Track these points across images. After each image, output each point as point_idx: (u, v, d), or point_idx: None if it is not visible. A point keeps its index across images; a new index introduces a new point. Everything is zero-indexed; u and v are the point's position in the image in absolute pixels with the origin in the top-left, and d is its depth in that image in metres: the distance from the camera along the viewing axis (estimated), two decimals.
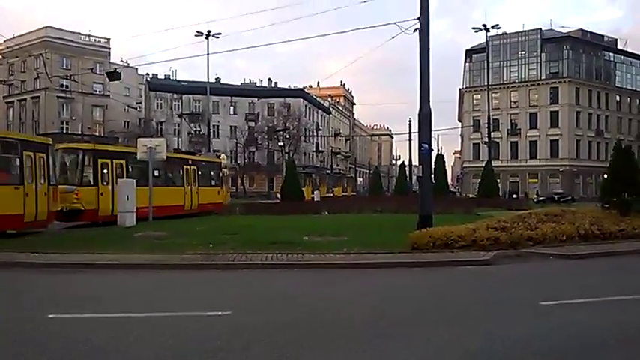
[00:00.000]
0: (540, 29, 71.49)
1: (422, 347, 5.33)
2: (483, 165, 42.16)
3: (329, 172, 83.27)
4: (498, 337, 5.60)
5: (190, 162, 26.85)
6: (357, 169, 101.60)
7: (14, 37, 58.30)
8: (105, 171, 20.57)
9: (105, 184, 20.35)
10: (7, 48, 57.91)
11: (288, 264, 10.68)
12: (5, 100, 65.96)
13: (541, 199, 50.97)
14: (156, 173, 21.12)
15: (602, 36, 76.12)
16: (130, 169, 21.56)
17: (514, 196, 52.72)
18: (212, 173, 29.85)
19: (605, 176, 17.40)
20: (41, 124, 61.67)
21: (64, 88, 59.20)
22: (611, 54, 75.59)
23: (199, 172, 27.27)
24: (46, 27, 62.09)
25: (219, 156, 38.60)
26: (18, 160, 15.57)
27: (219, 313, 6.72)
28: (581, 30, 73.24)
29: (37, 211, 16.12)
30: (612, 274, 9.90)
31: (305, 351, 5.31)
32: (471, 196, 49.75)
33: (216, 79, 72.84)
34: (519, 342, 5.45)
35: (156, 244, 12.88)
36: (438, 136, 65.97)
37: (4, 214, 14.66)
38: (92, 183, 20.05)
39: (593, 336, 5.68)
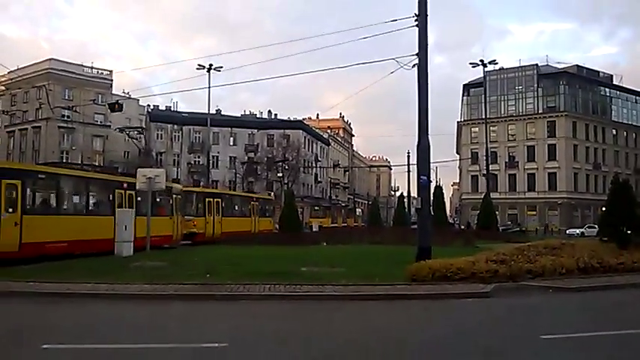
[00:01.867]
0: (537, 65, 72.59)
1: None
2: (482, 197, 42.20)
3: (335, 203, 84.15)
4: None
5: (255, 199, 39.13)
6: (355, 199, 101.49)
7: (18, 69, 59.04)
8: (209, 206, 29.59)
9: (209, 215, 29.31)
10: (11, 79, 58.64)
11: (287, 295, 10.59)
12: (6, 130, 66.31)
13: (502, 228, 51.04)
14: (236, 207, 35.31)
15: (598, 72, 77.25)
16: (224, 205, 31.84)
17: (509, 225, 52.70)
18: (266, 207, 41.57)
19: (604, 209, 17.43)
20: (41, 153, 61.77)
21: (65, 118, 59.61)
22: (607, 89, 76.56)
23: (260, 207, 38.30)
24: (50, 59, 62.89)
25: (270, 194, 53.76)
26: (170, 200, 24.77)
27: (216, 344, 6.64)
28: (577, 66, 74.37)
29: (178, 232, 25.10)
30: (613, 307, 9.81)
31: None
32: (462, 227, 49.53)
33: (216, 110, 73.45)
34: None
35: (153, 274, 12.77)
36: (436, 167, 65.89)
37: (163, 235, 22.50)
38: (203, 214, 29.06)
39: None
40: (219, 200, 31.48)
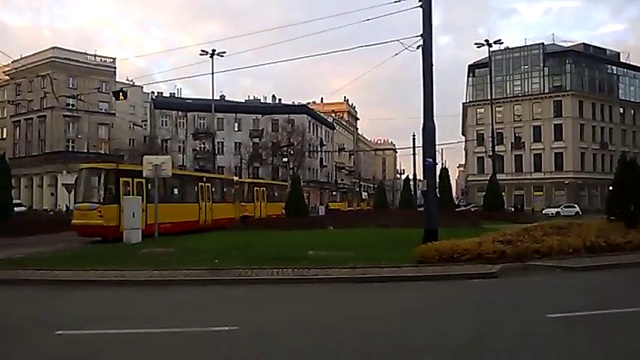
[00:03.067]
0: (542, 44, 71.78)
1: None
2: (488, 178, 42.08)
3: (341, 187, 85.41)
4: (505, 349, 5.60)
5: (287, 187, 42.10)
6: (361, 183, 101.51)
7: (21, 58, 59.04)
8: (256, 193, 35.92)
9: (257, 201, 35.50)
10: (15, 69, 58.64)
11: (294, 279, 10.68)
12: (12, 120, 66.54)
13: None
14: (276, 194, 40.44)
15: (605, 49, 76.34)
16: (267, 192, 37.83)
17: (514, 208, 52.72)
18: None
19: (611, 188, 17.37)
20: (47, 142, 62.11)
21: (70, 107, 59.67)
22: (614, 67, 75.70)
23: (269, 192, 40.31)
24: (53, 47, 62.77)
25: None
26: (232, 189, 32.85)
27: (226, 328, 6.72)
28: (584, 44, 73.50)
29: (237, 215, 31.42)
30: (620, 286, 9.86)
31: None
32: (475, 208, 49.62)
33: (220, 96, 73.29)
34: (528, 356, 5.43)
35: (161, 261, 12.91)
36: (442, 149, 65.84)
37: (229, 217, 29.79)
38: (252, 200, 34.93)
39: (602, 348, 5.65)
40: (264, 189, 38.02)
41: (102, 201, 20.70)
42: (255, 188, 36.45)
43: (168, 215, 21.78)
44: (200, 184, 27.70)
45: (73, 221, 20.93)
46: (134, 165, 26.50)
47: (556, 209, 52.51)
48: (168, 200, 23.27)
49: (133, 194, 21.06)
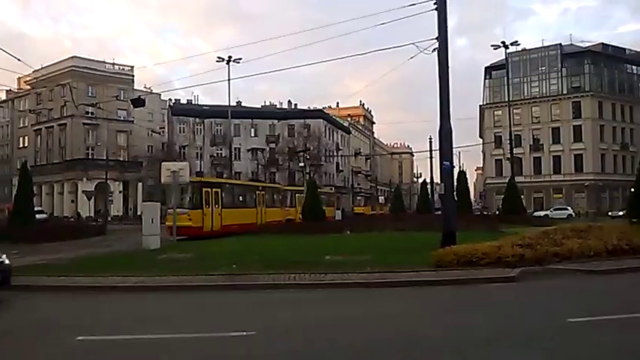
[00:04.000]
0: (560, 44, 70.99)
1: None
2: (506, 181, 41.64)
3: (358, 192, 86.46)
4: (524, 353, 5.53)
5: (323, 193, 45.09)
6: (378, 187, 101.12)
7: (42, 68, 60.15)
8: (297, 200, 38.77)
9: (299, 206, 36.85)
10: (35, 78, 59.72)
11: (311, 284, 10.67)
12: (33, 128, 67.80)
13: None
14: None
15: (625, 49, 75.14)
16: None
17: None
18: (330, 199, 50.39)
19: (632, 190, 17.07)
20: (67, 150, 63.08)
21: (89, 115, 60.58)
22: (634, 67, 74.46)
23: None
24: (73, 57, 63.84)
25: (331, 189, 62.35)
26: (280, 196, 37.69)
27: (244, 333, 6.75)
28: (602, 44, 72.48)
29: (283, 219, 34.88)
30: None
31: None
32: (491, 212, 48.79)
33: (237, 102, 73.74)
34: None
35: (180, 266, 13.01)
36: (459, 152, 65.26)
37: (277, 220, 33.28)
38: (294, 205, 38.59)
39: (625, 354, 5.55)
40: (303, 195, 41.80)
41: (191, 207, 25.12)
42: (297, 195, 40.59)
43: (234, 218, 27.46)
44: (257, 192, 33.34)
45: (166, 223, 23.67)
46: (213, 178, 32.23)
47: (545, 212, 51.26)
48: (235, 206, 29.24)
49: (212, 201, 26.03)
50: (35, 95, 67.60)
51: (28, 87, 68.26)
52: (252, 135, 75.03)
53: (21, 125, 72.84)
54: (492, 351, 5.77)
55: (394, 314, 8.03)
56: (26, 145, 70.88)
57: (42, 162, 65.31)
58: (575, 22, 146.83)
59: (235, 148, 63.04)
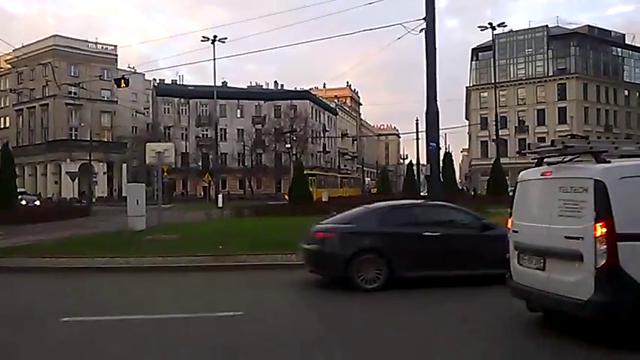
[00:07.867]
0: (547, 26, 71.01)
1: None
2: (492, 162, 41.93)
3: (344, 173, 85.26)
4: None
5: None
6: (364, 169, 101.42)
7: (23, 46, 58.82)
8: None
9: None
10: (16, 57, 58.50)
11: (298, 264, 10.69)
12: (15, 108, 66.51)
13: None
14: None
15: (610, 31, 75.48)
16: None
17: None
18: None
19: None
20: (50, 130, 62.11)
21: (72, 95, 59.51)
22: (619, 49, 74.85)
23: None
24: (54, 35, 62.45)
25: None
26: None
27: (231, 313, 6.76)
28: (588, 26, 72.67)
29: None
30: None
31: (315, 348, 5.34)
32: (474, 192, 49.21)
33: (223, 82, 72.89)
34: None
35: (166, 247, 12.94)
36: (445, 134, 65.51)
37: None
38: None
39: None
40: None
41: None
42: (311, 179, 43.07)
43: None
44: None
45: None
46: None
47: None
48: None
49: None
50: (16, 74, 66.20)
51: (9, 66, 66.82)
52: (238, 116, 74.49)
53: (2, 105, 71.36)
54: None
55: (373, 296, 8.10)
56: (7, 125, 69.55)
57: (24, 143, 64.29)
58: (567, 3, 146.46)
59: (221, 129, 62.55)
